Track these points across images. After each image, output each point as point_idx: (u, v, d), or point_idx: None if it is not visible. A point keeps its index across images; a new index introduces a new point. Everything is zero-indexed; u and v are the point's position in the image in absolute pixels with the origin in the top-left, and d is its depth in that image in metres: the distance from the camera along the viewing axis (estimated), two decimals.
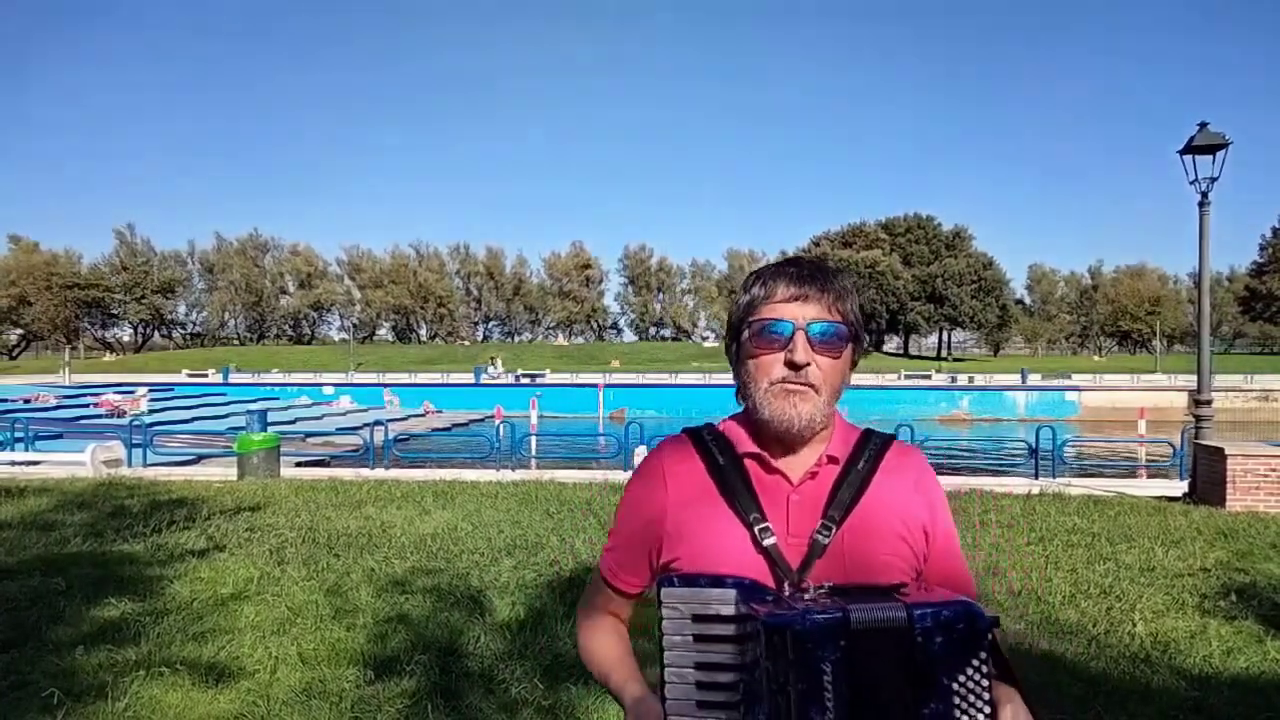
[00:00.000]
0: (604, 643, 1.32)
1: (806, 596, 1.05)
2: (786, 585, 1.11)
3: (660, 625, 1.10)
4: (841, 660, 0.94)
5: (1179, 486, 10.59)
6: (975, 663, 0.98)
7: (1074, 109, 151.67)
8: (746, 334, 1.20)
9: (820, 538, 1.15)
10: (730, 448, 1.23)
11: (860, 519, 1.18)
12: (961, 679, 0.98)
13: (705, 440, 1.26)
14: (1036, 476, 12.50)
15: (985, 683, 0.99)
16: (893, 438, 1.29)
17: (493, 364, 53.50)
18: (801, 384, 1.16)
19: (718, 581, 1.09)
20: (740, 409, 1.28)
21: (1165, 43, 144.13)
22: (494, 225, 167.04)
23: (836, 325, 1.18)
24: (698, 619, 1.08)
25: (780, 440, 1.19)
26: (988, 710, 1.00)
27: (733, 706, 1.05)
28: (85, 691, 3.63)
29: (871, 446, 1.25)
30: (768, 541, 1.14)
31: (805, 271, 1.20)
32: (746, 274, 1.28)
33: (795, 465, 1.21)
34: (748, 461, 1.21)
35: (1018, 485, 11.17)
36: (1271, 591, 5.37)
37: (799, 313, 1.17)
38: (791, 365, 1.16)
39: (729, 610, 1.07)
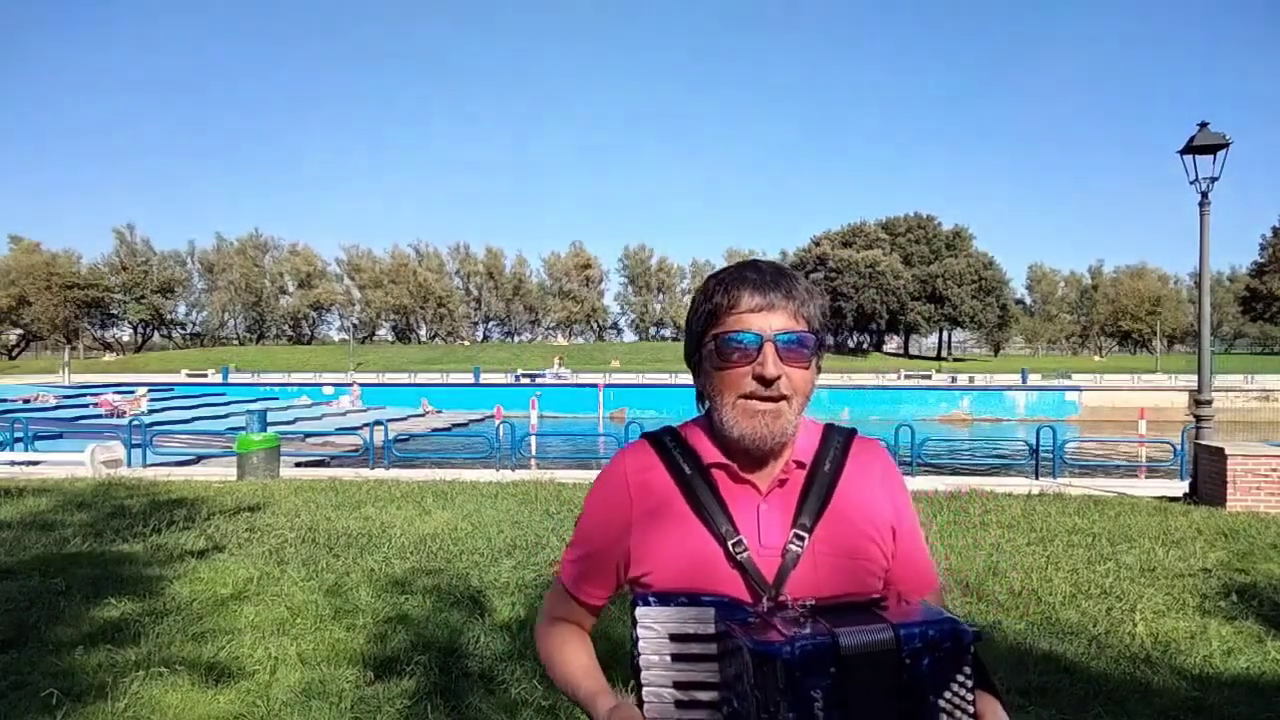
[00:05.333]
0: (570, 652, 1.27)
1: (786, 613, 1.03)
2: (765, 600, 1.09)
3: (635, 645, 1.08)
4: (832, 686, 0.93)
5: (1179, 486, 10.59)
6: (960, 678, 0.99)
7: (1074, 109, 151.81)
8: (711, 346, 1.16)
9: (793, 548, 1.13)
10: (696, 458, 1.20)
11: (830, 525, 1.16)
12: (948, 695, 0.98)
13: (669, 448, 1.22)
14: (1037, 476, 12.50)
15: (970, 697, 1.00)
16: (854, 433, 1.27)
17: (560, 363, 52.62)
18: (773, 398, 1.13)
19: (695, 600, 1.08)
20: (700, 413, 1.25)
21: (1166, 42, 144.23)
22: (494, 225, 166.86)
23: (803, 335, 1.14)
24: (675, 638, 1.06)
25: (748, 452, 1.16)
26: None
27: None
28: (85, 691, 3.63)
29: (835, 445, 1.23)
30: (742, 556, 1.12)
31: (768, 278, 1.16)
32: (705, 279, 1.25)
33: (763, 474, 1.18)
34: (715, 472, 1.18)
35: (1018, 485, 11.17)
36: (1272, 592, 5.37)
37: (765, 323, 1.13)
38: (762, 380, 1.12)
39: (708, 629, 1.05)
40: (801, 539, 1.14)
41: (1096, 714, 3.52)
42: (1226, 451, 8.90)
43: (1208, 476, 9.26)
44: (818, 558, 1.14)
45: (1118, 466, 16.83)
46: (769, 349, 1.12)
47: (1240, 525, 7.65)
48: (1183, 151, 9.87)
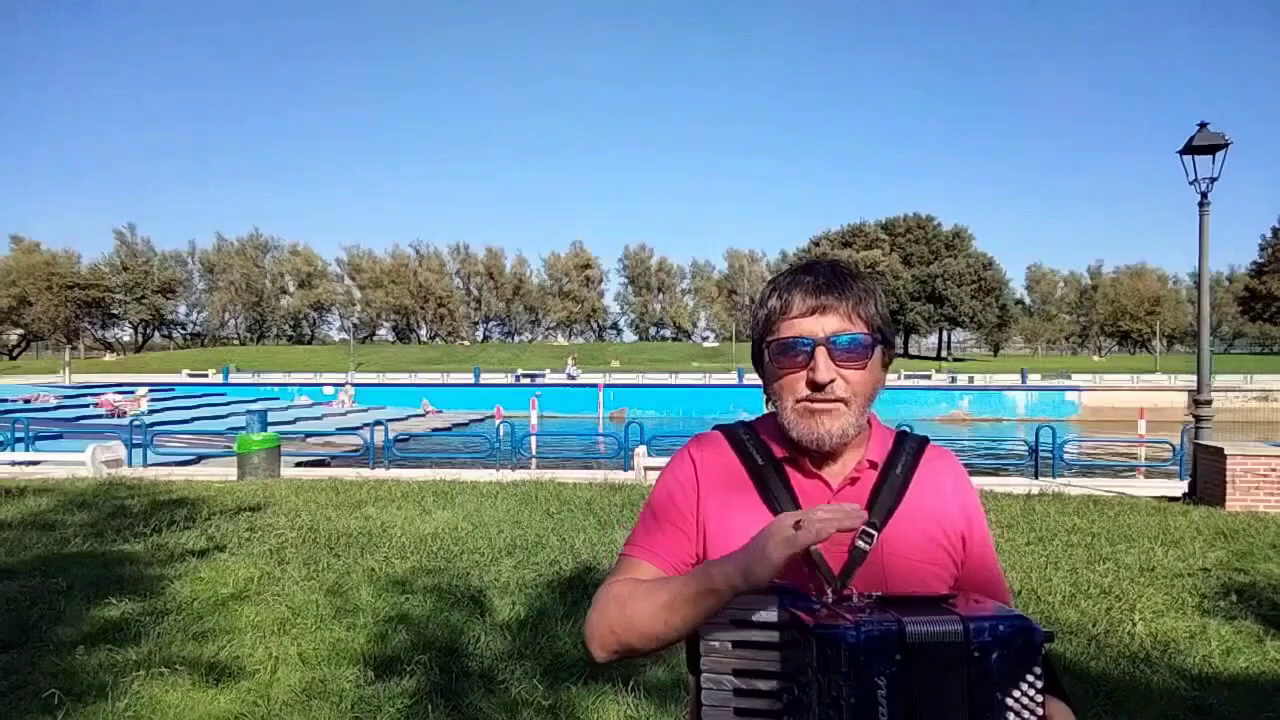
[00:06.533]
0: (637, 587, 1.14)
1: (852, 604, 1.02)
2: (830, 592, 1.08)
3: (697, 630, 1.07)
4: (896, 674, 0.92)
5: (1179, 486, 10.59)
6: (1030, 678, 0.96)
7: (1074, 109, 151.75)
8: (768, 353, 1.18)
9: (861, 544, 1.12)
10: (769, 450, 1.21)
11: (900, 525, 1.16)
12: (1016, 694, 0.96)
13: (742, 439, 1.24)
14: (1036, 476, 12.49)
15: (1039, 699, 0.97)
16: (927, 440, 1.27)
17: (573, 361, 52.10)
18: (828, 401, 1.13)
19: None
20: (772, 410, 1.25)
21: (1166, 42, 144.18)
22: (494, 225, 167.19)
23: (859, 335, 1.14)
24: (737, 624, 1.05)
25: (814, 451, 1.18)
26: None
27: (774, 715, 1.02)
28: (85, 691, 3.64)
29: (908, 450, 1.23)
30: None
31: (822, 280, 1.16)
32: (764, 282, 1.24)
33: (834, 471, 1.19)
34: (787, 465, 1.20)
35: (1018, 485, 11.17)
36: (1271, 591, 5.37)
37: (818, 326, 1.14)
38: (814, 385, 1.13)
39: (771, 617, 1.03)
40: (870, 536, 1.13)
41: (1096, 714, 3.53)
42: (1226, 451, 8.91)
43: (1207, 476, 9.26)
44: (885, 556, 1.14)
45: (1117, 466, 16.82)
46: (820, 353, 1.12)
47: (1239, 525, 7.65)
48: (1182, 152, 9.87)
